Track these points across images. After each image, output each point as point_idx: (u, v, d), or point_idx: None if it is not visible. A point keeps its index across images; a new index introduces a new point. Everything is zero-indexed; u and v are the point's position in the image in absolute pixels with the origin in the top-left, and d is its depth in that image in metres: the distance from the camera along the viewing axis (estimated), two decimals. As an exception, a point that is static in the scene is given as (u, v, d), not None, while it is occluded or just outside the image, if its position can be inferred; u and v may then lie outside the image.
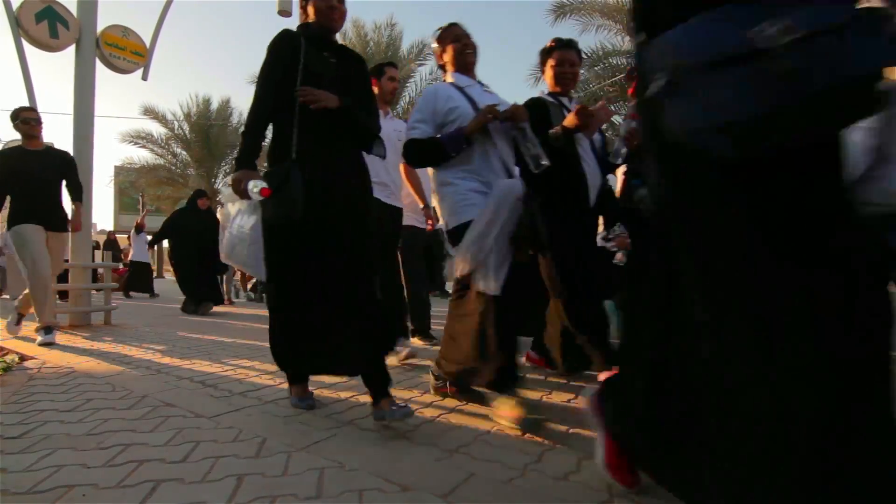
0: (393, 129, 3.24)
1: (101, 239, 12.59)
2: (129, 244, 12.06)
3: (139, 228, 9.88)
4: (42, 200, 3.84)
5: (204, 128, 20.70)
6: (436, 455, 1.50)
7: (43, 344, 3.51)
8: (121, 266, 11.09)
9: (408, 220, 3.51)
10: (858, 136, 1.09)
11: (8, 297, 7.60)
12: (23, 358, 3.07)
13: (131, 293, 9.59)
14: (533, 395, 2.20)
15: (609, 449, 1.23)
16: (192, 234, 6.36)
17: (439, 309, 3.68)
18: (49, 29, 4.78)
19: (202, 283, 6.35)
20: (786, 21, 0.74)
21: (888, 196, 1.00)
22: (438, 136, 2.00)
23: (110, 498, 1.23)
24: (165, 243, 7.25)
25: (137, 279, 9.77)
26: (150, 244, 8.13)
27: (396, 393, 2.22)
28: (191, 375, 2.58)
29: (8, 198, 3.84)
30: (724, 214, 0.91)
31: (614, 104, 12.30)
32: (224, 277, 7.76)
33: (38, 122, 3.93)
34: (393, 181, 3.22)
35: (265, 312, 2.24)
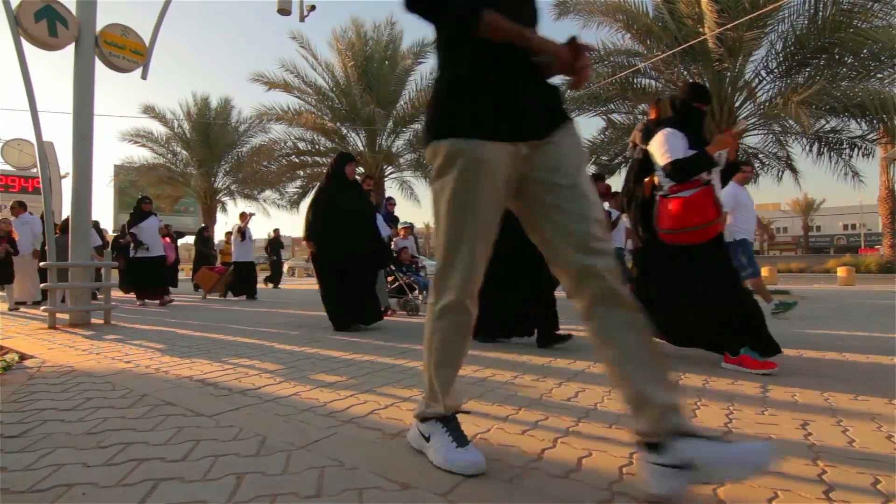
0: None
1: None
2: (227, 243, 11.87)
3: (243, 234, 9.32)
4: None
5: (204, 127, 20.72)
6: (436, 453, 1.50)
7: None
8: (219, 264, 10.90)
9: None
10: None
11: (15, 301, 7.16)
12: (22, 357, 3.07)
13: (229, 295, 9.28)
14: (533, 393, 2.20)
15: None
16: (346, 217, 4.52)
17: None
18: (48, 27, 4.78)
19: (356, 286, 4.54)
20: None
21: None
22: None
23: (110, 497, 1.23)
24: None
25: (242, 280, 9.24)
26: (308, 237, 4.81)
27: (395, 391, 2.22)
28: (191, 374, 2.58)
29: None
30: None
31: (613, 103, 12.30)
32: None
33: None
34: None
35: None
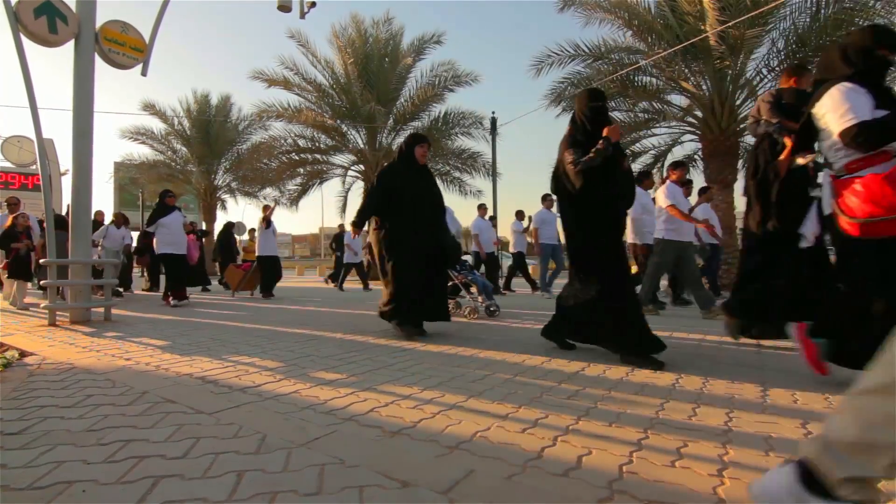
0: None
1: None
2: (251, 239, 11.45)
3: (267, 223, 8.69)
4: None
5: (204, 124, 20.69)
6: (436, 451, 1.50)
7: None
8: (241, 262, 10.22)
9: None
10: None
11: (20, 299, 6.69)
12: (23, 354, 3.07)
13: (274, 293, 8.51)
14: (533, 391, 2.20)
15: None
16: (417, 200, 3.88)
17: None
18: (48, 24, 4.77)
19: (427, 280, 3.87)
20: None
21: None
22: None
23: (110, 494, 1.23)
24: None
25: (269, 275, 8.56)
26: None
27: (395, 389, 2.22)
28: (191, 371, 2.58)
29: None
30: None
31: (615, 100, 12.27)
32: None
33: None
34: None
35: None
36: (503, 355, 3.06)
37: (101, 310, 5.12)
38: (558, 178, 3.14)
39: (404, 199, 3.83)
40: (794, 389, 2.23)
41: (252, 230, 11.48)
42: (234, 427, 1.71)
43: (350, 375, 2.51)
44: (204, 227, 11.30)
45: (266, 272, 8.61)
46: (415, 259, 3.78)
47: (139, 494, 1.22)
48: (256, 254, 8.84)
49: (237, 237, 13.04)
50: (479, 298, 5.30)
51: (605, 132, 2.87)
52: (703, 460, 1.44)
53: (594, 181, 2.90)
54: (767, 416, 1.85)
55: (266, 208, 9.01)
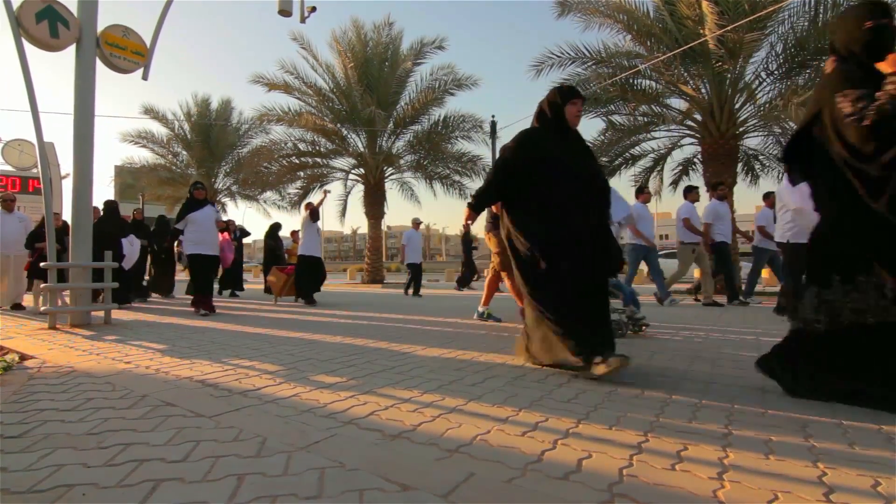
0: None
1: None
2: (294, 241, 10.73)
3: (315, 216, 7.70)
4: None
5: (204, 128, 20.75)
6: (436, 454, 1.50)
7: None
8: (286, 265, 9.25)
9: None
10: None
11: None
12: (23, 357, 3.08)
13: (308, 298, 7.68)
14: (533, 395, 2.20)
15: None
16: (570, 176, 2.72)
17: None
18: (49, 28, 4.79)
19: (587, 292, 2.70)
20: None
21: None
22: None
23: (110, 497, 1.23)
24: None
25: (308, 278, 7.67)
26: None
27: (396, 392, 2.22)
28: (191, 375, 2.58)
29: None
30: None
31: (614, 104, 12.30)
32: None
33: None
34: None
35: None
36: (503, 358, 3.06)
37: (101, 313, 5.11)
38: (807, 139, 2.11)
39: (552, 176, 2.67)
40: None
41: (294, 232, 10.79)
42: (235, 430, 1.71)
43: (350, 379, 2.51)
44: (244, 227, 10.33)
45: (307, 275, 7.68)
46: (573, 266, 2.59)
47: (139, 498, 1.22)
48: (298, 253, 7.81)
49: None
50: (627, 311, 4.14)
51: (888, 65, 1.86)
52: (703, 463, 1.44)
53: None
54: (768, 420, 1.85)
55: (309, 204, 7.82)
